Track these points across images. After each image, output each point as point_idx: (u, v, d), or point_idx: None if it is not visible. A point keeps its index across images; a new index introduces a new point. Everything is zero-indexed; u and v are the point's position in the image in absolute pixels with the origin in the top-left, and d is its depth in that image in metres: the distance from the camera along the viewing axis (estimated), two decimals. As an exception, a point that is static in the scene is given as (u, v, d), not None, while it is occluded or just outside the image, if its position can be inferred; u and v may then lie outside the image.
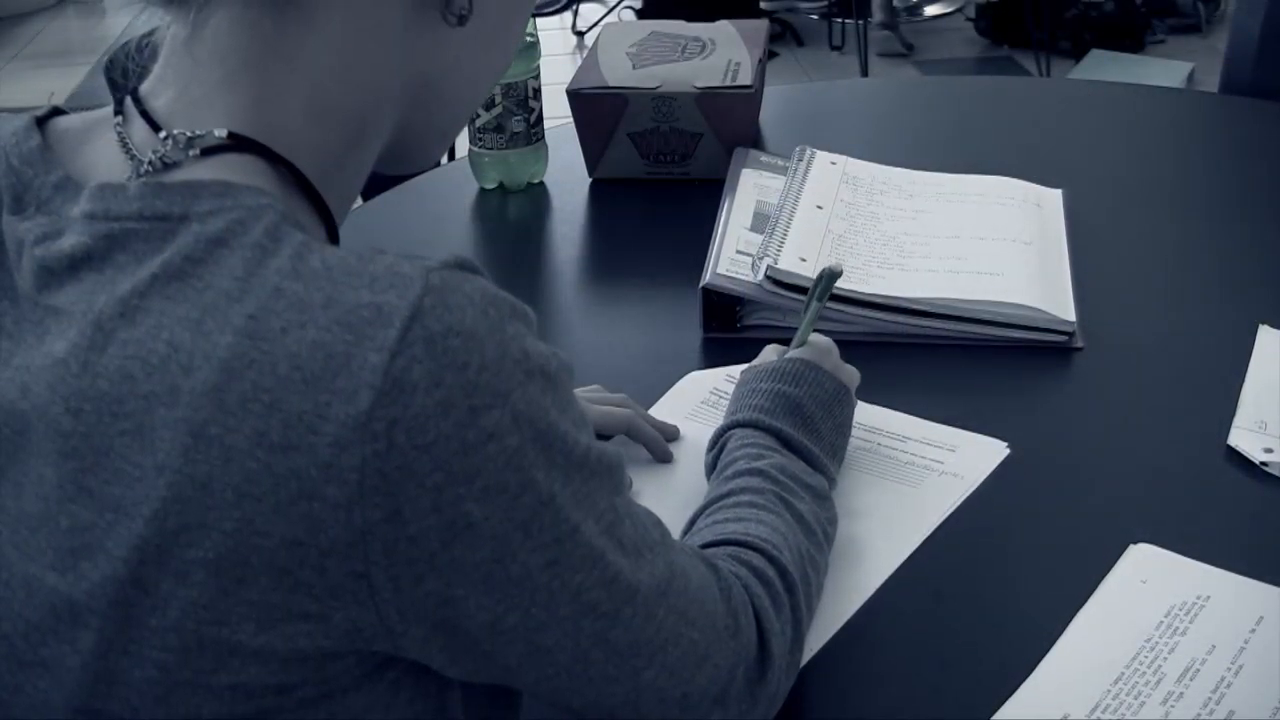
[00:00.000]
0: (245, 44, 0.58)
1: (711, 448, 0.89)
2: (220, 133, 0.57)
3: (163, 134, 0.57)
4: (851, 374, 0.94)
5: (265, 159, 0.58)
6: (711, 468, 0.87)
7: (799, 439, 0.85)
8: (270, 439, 0.50)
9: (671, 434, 0.98)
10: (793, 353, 0.93)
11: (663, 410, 1.02)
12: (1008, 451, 0.96)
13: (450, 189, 1.43)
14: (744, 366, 0.96)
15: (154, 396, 0.51)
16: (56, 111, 0.63)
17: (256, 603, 0.52)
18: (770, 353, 0.96)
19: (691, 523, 0.80)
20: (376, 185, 1.44)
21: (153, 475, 0.51)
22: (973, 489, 0.93)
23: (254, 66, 0.58)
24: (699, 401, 1.03)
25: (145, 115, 0.59)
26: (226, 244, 0.53)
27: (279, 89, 0.59)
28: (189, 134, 0.57)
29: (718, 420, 0.92)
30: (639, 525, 0.61)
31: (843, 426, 0.91)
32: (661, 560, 0.61)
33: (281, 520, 0.50)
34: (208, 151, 0.57)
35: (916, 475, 0.94)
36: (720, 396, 1.03)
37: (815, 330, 0.96)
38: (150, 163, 0.57)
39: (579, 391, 0.98)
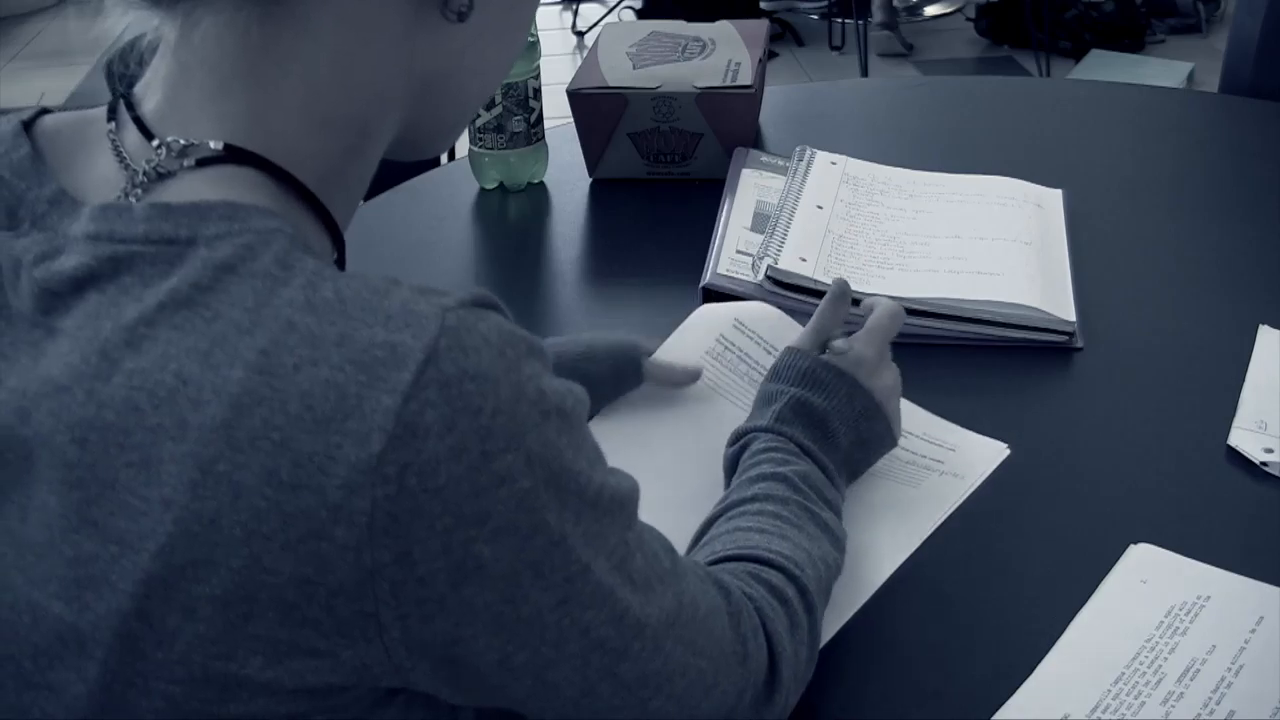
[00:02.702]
0: (235, 50, 0.57)
1: (732, 444, 0.87)
2: (216, 144, 0.56)
3: (155, 142, 0.57)
4: (887, 386, 0.89)
5: (263, 171, 0.57)
6: (731, 466, 0.85)
7: (816, 451, 0.83)
8: (280, 477, 0.49)
9: (689, 376, 0.97)
10: (833, 354, 0.88)
11: (669, 354, 1.00)
12: (1008, 452, 0.96)
13: (450, 189, 1.43)
14: (759, 318, 0.96)
15: (161, 429, 0.51)
16: (45, 112, 0.62)
17: (264, 638, 0.51)
18: (810, 334, 0.90)
19: (711, 522, 0.79)
20: (377, 185, 1.44)
21: (159, 509, 0.50)
22: (973, 489, 0.93)
23: (246, 73, 0.57)
24: (704, 351, 1.01)
25: (137, 120, 0.58)
26: (235, 271, 0.52)
27: (274, 97, 0.57)
28: (183, 142, 0.56)
29: (721, 375, 0.92)
30: (649, 557, 0.60)
31: (866, 443, 0.88)
32: (671, 592, 0.61)
33: (290, 558, 0.50)
34: (203, 163, 0.56)
35: (916, 475, 0.94)
36: (727, 347, 1.00)
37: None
38: (145, 173, 0.56)
39: (583, 336, 0.98)
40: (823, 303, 0.91)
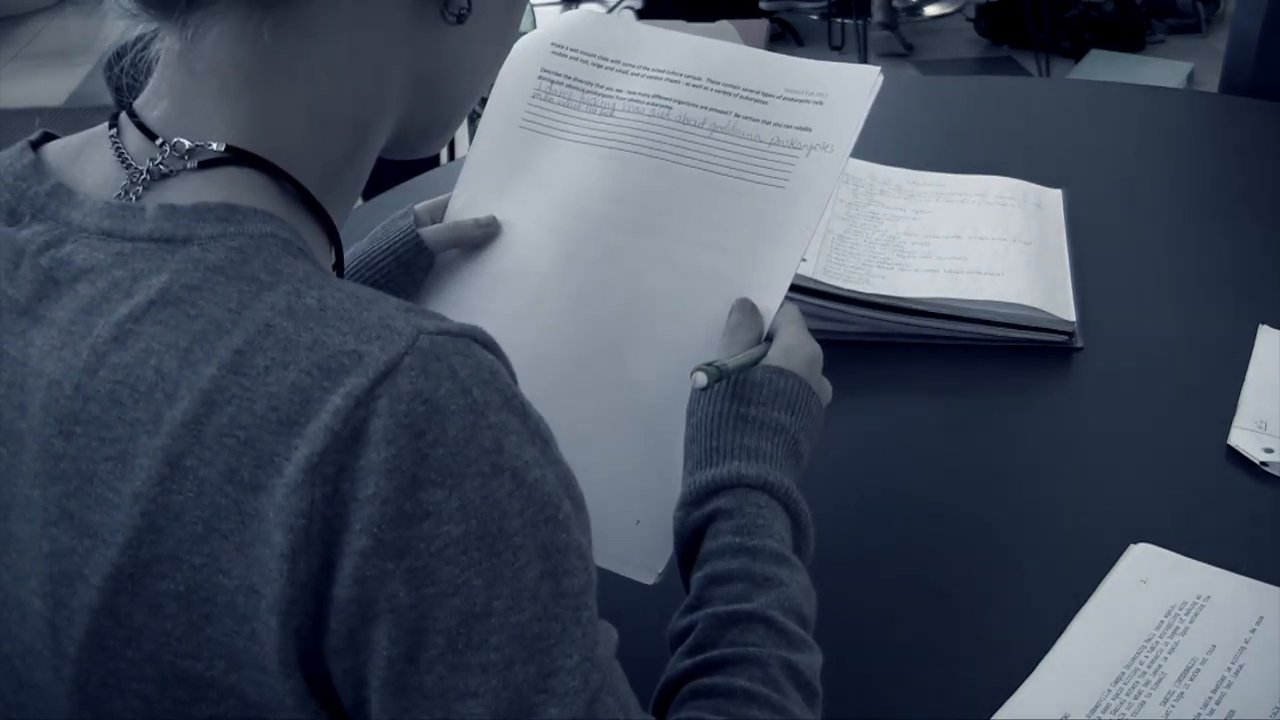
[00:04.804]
0: (243, 56, 0.57)
1: (693, 503, 0.70)
2: (218, 145, 0.57)
3: (159, 141, 0.57)
4: (825, 388, 0.78)
5: (265, 173, 0.57)
6: (693, 531, 0.70)
7: (800, 503, 0.71)
8: (241, 477, 0.49)
9: (486, 230, 0.89)
10: (786, 362, 0.75)
11: (494, 111, 0.91)
12: (880, 77, 0.83)
13: (450, 189, 1.43)
14: (575, 30, 0.86)
15: (139, 423, 0.51)
16: (50, 136, 0.62)
17: (224, 643, 0.51)
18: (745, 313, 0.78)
19: (676, 684, 0.63)
20: (377, 185, 1.44)
21: (129, 503, 0.51)
22: (844, 162, 0.82)
23: (253, 79, 0.57)
24: (530, 96, 0.90)
25: (141, 127, 0.58)
26: (224, 272, 0.53)
27: (279, 101, 0.58)
28: (188, 144, 0.57)
29: (560, 114, 0.85)
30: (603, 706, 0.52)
31: (812, 434, 0.75)
32: None
33: (242, 562, 0.50)
34: (206, 164, 0.56)
35: (781, 165, 0.83)
36: (553, 80, 0.90)
37: (813, 330, 0.80)
38: (149, 170, 0.56)
39: (359, 246, 0.89)
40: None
